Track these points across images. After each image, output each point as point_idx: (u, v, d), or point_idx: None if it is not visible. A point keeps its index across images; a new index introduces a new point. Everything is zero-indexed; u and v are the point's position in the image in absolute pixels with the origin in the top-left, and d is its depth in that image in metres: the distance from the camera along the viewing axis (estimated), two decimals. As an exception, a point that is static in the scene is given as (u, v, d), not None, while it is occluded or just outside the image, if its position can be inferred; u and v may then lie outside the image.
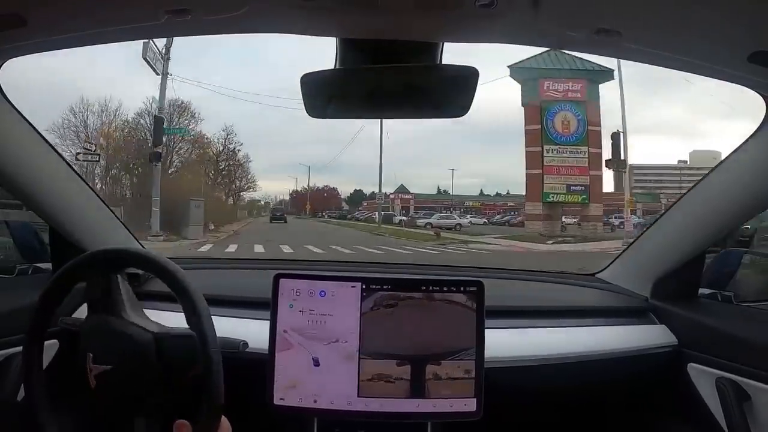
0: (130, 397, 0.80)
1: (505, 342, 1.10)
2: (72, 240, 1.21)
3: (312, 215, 29.60)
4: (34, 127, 1.06)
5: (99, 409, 0.85)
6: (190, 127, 20.65)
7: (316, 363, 0.97)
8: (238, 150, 23.40)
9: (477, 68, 0.80)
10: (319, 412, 0.98)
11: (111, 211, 1.32)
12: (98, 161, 14.03)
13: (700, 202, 1.16)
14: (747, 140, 0.99)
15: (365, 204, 30.95)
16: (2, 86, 0.94)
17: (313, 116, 0.90)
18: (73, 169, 1.18)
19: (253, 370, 0.94)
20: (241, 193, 26.14)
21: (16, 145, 1.03)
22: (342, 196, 34.32)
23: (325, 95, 0.89)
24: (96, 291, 0.85)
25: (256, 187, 26.50)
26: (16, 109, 1.00)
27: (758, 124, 0.96)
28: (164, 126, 14.39)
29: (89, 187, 1.24)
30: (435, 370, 0.97)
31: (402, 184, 29.36)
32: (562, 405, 1.23)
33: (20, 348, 0.91)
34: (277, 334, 0.98)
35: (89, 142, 15.40)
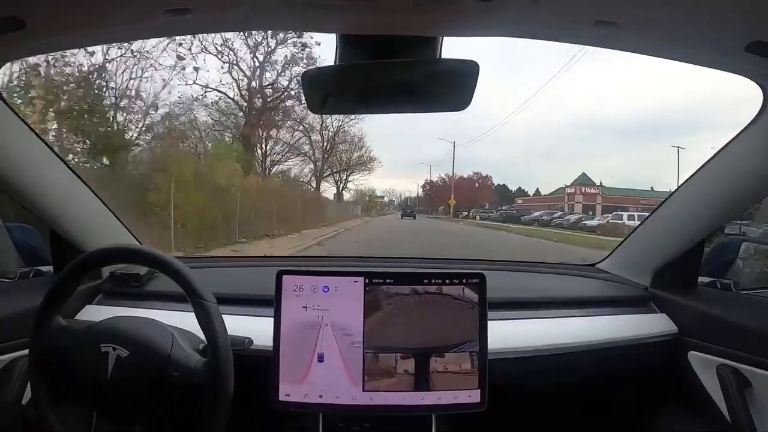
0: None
1: (507, 333, 1.11)
2: (73, 242, 1.21)
3: (453, 214, 20.28)
4: (32, 129, 1.05)
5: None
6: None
7: (321, 358, 0.98)
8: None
9: (477, 62, 0.80)
10: (325, 407, 0.98)
11: (112, 212, 1.32)
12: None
13: (698, 191, 1.16)
14: (745, 129, 0.99)
15: (519, 201, 23.61)
16: (1, 88, 0.94)
17: (314, 112, 0.92)
18: (73, 171, 1.18)
19: (258, 367, 0.95)
20: (351, 178, 15.62)
21: (14, 148, 1.03)
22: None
23: (326, 91, 0.89)
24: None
25: (372, 166, 15.38)
26: (15, 111, 1.00)
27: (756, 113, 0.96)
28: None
29: (89, 188, 1.24)
30: (439, 362, 0.98)
31: (584, 173, 20.94)
32: (565, 394, 1.24)
33: (25, 351, 0.92)
34: (282, 330, 0.98)
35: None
